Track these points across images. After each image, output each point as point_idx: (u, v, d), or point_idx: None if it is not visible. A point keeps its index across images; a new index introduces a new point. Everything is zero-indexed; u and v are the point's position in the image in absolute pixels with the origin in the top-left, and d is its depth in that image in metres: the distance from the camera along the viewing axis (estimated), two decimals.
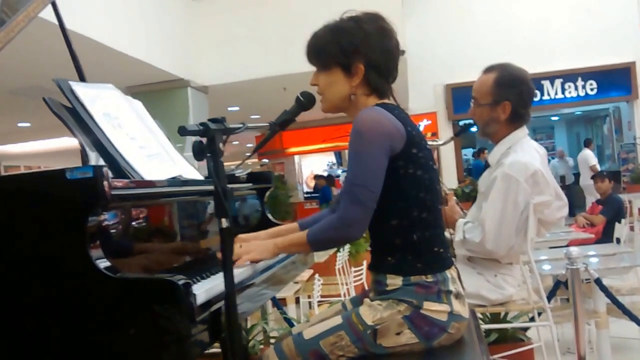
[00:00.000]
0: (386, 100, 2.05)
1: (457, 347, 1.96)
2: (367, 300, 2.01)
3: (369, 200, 1.88)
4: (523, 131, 2.98)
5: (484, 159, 13.06)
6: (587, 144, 13.94)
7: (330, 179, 14.55)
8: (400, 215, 1.94)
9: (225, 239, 1.68)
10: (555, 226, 3.48)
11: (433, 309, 1.90)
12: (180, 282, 1.53)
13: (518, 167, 2.82)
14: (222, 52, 8.58)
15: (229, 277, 1.65)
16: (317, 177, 14.28)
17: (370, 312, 1.93)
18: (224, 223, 1.67)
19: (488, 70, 3.00)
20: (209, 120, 1.71)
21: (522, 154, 2.88)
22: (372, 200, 1.88)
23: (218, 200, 1.67)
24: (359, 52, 1.98)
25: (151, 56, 7.10)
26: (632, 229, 7.19)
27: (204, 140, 1.70)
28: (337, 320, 1.98)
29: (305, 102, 2.06)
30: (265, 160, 17.02)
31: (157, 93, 7.82)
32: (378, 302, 1.94)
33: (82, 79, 2.49)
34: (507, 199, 2.81)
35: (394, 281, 1.93)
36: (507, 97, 2.90)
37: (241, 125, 1.83)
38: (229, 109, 11.09)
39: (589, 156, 13.05)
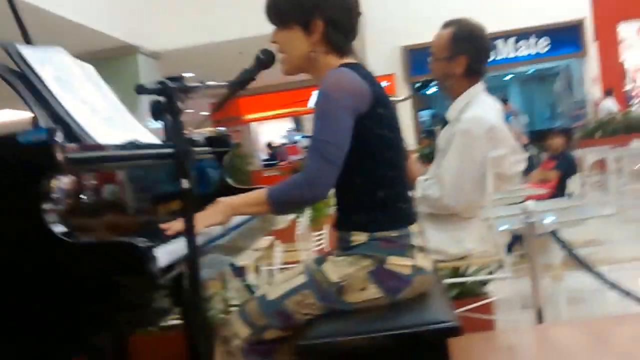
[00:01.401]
0: (350, 60, 2.04)
1: (421, 300, 2.00)
2: (331, 257, 2.02)
3: (336, 158, 1.87)
4: (480, 87, 3.02)
5: (508, 110, 13.11)
6: (609, 93, 14.09)
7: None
8: (366, 174, 1.95)
9: (187, 200, 1.65)
10: (512, 183, 3.54)
11: (397, 263, 1.93)
12: (142, 245, 1.50)
13: (475, 122, 2.87)
14: (174, 15, 8.37)
15: (191, 240, 1.62)
16: None
17: (335, 269, 1.95)
18: (185, 184, 1.64)
19: (446, 25, 3.02)
20: (167, 78, 1.68)
21: (480, 109, 2.92)
22: (339, 158, 1.88)
23: (178, 161, 1.64)
24: (317, 9, 1.97)
25: (96, 21, 6.85)
26: (583, 184, 7.38)
27: (162, 99, 1.67)
28: (302, 279, 1.99)
29: (265, 59, 2.02)
30: (221, 128, 16.88)
31: (104, 61, 7.37)
32: (343, 258, 1.96)
33: (28, 42, 2.39)
34: (465, 153, 2.86)
35: (359, 237, 1.96)
36: (463, 52, 2.93)
37: (200, 84, 1.81)
38: (165, 77, 10.89)
39: (611, 106, 13.28)
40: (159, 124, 1.71)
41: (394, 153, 1.99)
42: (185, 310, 2.30)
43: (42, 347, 1.59)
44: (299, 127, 19.08)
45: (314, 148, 1.89)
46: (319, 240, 5.49)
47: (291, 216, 5.86)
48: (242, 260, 4.81)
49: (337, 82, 1.91)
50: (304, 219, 5.85)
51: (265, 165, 15.67)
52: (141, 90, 1.66)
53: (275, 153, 17.10)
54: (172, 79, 1.70)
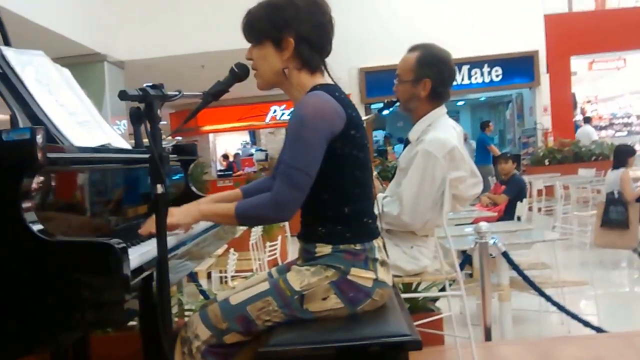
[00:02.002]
0: (323, 79, 2.10)
1: (380, 313, 2.03)
2: (295, 266, 2.06)
3: (305, 185, 1.92)
4: (442, 110, 3.09)
5: (489, 132, 13.42)
6: (587, 120, 14.67)
7: None
8: (333, 191, 2.00)
9: (160, 205, 1.68)
10: (466, 204, 3.65)
11: (359, 275, 1.97)
12: (117, 246, 1.53)
13: (437, 143, 2.93)
14: (140, 27, 8.41)
15: (162, 243, 1.65)
16: None
17: (298, 278, 1.98)
18: (159, 189, 1.67)
19: (412, 49, 3.09)
20: (147, 86, 1.72)
21: (441, 131, 2.99)
22: (308, 185, 1.93)
23: (154, 166, 1.67)
24: (289, 26, 2.01)
25: (67, 28, 6.85)
26: (530, 209, 7.58)
27: (141, 106, 1.70)
28: (265, 285, 2.02)
29: (239, 73, 2.07)
30: (179, 138, 16.81)
31: (72, 67, 7.46)
32: (306, 268, 2.00)
33: (7, 45, 2.40)
34: (425, 173, 2.93)
35: (323, 249, 2.00)
36: (428, 75, 3.00)
37: (177, 93, 1.85)
38: (146, 85, 10.88)
39: (590, 132, 13.72)
40: (120, 130, 1.74)
41: (361, 172, 2.05)
42: (149, 311, 2.31)
43: (9, 342, 1.60)
44: (254, 140, 19.12)
45: (285, 173, 1.93)
46: (273, 250, 5.53)
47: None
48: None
49: (314, 107, 1.94)
50: (258, 229, 5.89)
51: (220, 176, 15.67)
52: (124, 96, 1.69)
53: (232, 164, 17.11)
54: (152, 86, 1.74)
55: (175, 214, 1.99)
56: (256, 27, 2.06)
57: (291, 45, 2.02)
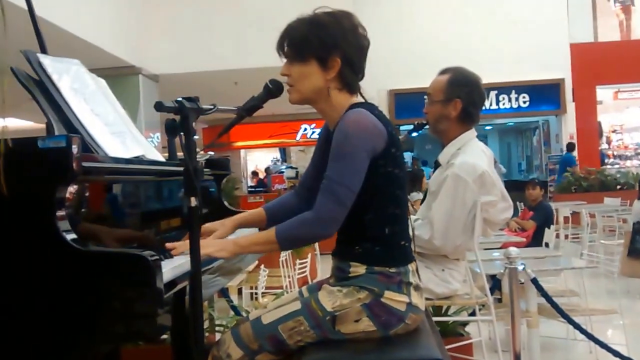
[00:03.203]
0: (359, 99, 2.09)
1: (412, 336, 2.00)
2: (326, 286, 2.03)
3: (348, 200, 1.90)
4: (472, 133, 3.11)
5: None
6: None
7: None
8: (376, 211, 1.98)
9: (194, 218, 1.66)
10: (497, 229, 3.64)
11: (393, 298, 1.94)
12: (151, 258, 1.52)
13: (467, 167, 2.94)
14: (176, 42, 8.53)
15: (195, 258, 1.64)
16: None
17: (330, 299, 1.96)
18: (193, 202, 1.65)
19: (443, 71, 3.13)
20: (182, 98, 1.72)
21: (471, 155, 3.00)
22: (350, 200, 1.90)
23: (188, 179, 1.65)
24: (337, 47, 1.99)
25: (104, 40, 6.96)
26: (557, 235, 7.53)
27: (177, 118, 1.70)
28: (296, 305, 2.00)
29: (273, 89, 2.04)
30: (211, 153, 16.94)
31: (107, 79, 7.63)
32: (338, 288, 1.97)
33: (44, 53, 2.38)
34: (455, 198, 2.93)
35: (357, 269, 1.97)
36: (459, 95, 3.02)
37: (212, 107, 1.85)
38: (181, 98, 11.05)
39: None
40: (153, 143, 1.73)
41: (402, 191, 2.03)
42: (181, 325, 2.33)
43: (40, 353, 1.60)
44: (284, 157, 19.25)
45: (329, 188, 1.91)
46: (303, 268, 5.54)
47: None
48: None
49: (355, 123, 1.93)
50: None
51: (251, 192, 15.80)
52: (160, 107, 1.69)
53: (262, 181, 17.23)
54: (188, 99, 1.73)
55: (210, 247, 1.93)
56: (304, 44, 2.02)
57: (338, 66, 2.00)
